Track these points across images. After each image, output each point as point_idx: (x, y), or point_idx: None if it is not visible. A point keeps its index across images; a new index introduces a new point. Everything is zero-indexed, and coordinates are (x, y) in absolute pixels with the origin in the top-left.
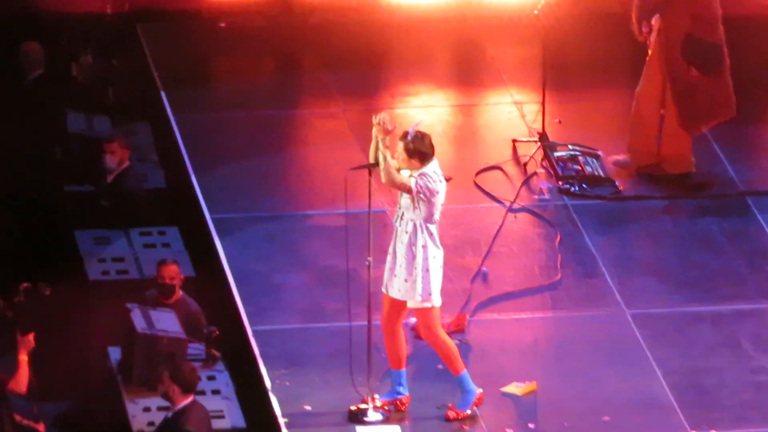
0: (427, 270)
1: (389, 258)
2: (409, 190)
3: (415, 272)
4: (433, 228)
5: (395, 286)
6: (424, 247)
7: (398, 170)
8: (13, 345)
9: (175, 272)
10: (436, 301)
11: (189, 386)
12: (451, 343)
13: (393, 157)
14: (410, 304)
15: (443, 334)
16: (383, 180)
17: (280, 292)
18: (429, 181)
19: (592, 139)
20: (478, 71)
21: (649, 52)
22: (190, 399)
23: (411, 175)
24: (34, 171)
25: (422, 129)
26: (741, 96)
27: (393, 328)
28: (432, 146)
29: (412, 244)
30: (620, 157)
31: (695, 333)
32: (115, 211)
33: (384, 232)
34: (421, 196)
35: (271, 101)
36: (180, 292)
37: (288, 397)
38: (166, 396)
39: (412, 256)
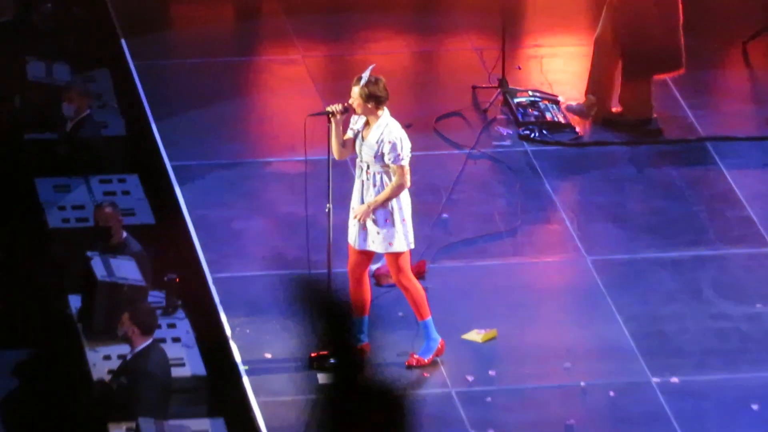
0: (404, 219)
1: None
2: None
3: (388, 223)
4: None
5: (368, 239)
6: (397, 198)
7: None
8: None
9: (107, 215)
10: (411, 244)
11: (148, 327)
12: (421, 288)
13: (347, 102)
14: (390, 250)
15: (414, 279)
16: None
17: (240, 240)
18: (405, 147)
19: (552, 85)
20: (438, 17)
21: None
22: (149, 340)
23: (391, 162)
24: None
25: (380, 74)
26: (702, 42)
27: (360, 275)
28: (387, 90)
29: None
30: (573, 103)
31: (656, 279)
32: (75, 158)
33: (343, 180)
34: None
35: (231, 47)
36: (122, 234)
37: (248, 344)
38: (125, 337)
39: (384, 208)
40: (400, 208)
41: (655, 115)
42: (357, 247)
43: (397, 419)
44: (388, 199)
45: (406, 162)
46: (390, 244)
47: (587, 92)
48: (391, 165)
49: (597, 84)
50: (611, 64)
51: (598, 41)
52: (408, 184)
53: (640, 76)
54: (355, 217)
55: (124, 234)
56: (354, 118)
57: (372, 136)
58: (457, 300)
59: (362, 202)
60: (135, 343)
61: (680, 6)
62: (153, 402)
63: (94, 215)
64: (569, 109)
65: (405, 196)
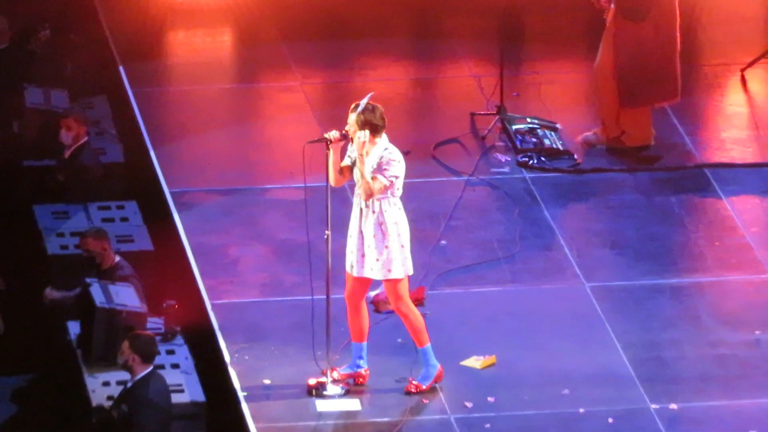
0: (402, 246)
1: (354, 239)
2: (387, 187)
3: (388, 250)
4: (398, 202)
5: (366, 266)
6: (396, 223)
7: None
8: None
9: (88, 243)
10: (410, 270)
11: (149, 355)
12: (420, 315)
13: (344, 129)
14: (389, 277)
15: (413, 305)
16: (364, 199)
17: (239, 266)
18: (392, 167)
19: (550, 112)
20: (436, 44)
21: (607, 24)
22: (149, 368)
23: (375, 177)
24: None
25: (378, 102)
26: (700, 69)
27: (357, 302)
28: (383, 118)
29: (380, 222)
30: (589, 134)
31: (654, 306)
32: (73, 185)
33: (342, 206)
34: (393, 180)
35: (229, 74)
36: (114, 258)
37: (247, 370)
38: (125, 366)
39: (382, 235)
40: (399, 235)
41: (653, 142)
42: (355, 274)
43: None
44: (361, 173)
45: (385, 179)
46: (389, 270)
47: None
48: (376, 176)
49: (601, 111)
50: (611, 93)
51: (596, 70)
52: (371, 198)
53: (636, 103)
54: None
55: (117, 258)
56: (351, 146)
57: (369, 162)
58: (456, 327)
59: (360, 229)
60: (135, 371)
61: (678, 35)
62: (154, 430)
63: (79, 245)
64: (585, 140)
65: (404, 223)
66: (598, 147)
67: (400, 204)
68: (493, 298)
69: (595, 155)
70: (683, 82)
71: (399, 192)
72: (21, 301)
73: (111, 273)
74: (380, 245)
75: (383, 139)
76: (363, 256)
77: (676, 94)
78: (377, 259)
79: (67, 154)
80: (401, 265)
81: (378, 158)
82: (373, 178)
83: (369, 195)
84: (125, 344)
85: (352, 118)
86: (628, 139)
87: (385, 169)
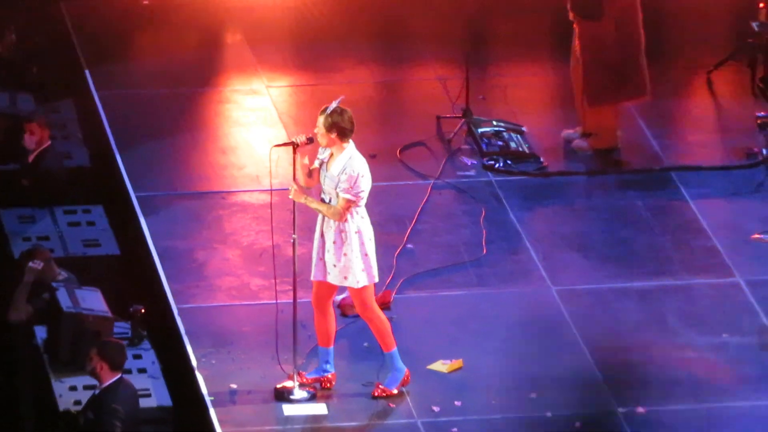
0: (366, 254)
1: (317, 243)
2: (354, 202)
3: (347, 258)
4: (362, 210)
5: (325, 270)
6: (359, 232)
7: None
8: None
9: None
10: (374, 278)
11: (117, 364)
12: (386, 320)
13: (313, 133)
14: (345, 284)
15: (378, 310)
16: (336, 220)
17: (206, 270)
18: (359, 185)
19: (516, 115)
20: (401, 47)
21: (575, 27)
22: (117, 376)
23: (342, 195)
24: None
25: (344, 105)
26: (666, 71)
27: (323, 306)
28: (352, 122)
29: (341, 230)
30: (582, 143)
31: (621, 309)
32: (39, 189)
33: (308, 210)
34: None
35: (195, 78)
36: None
37: (214, 375)
38: (93, 373)
39: (341, 242)
40: (362, 243)
41: (620, 145)
42: (313, 278)
43: None
44: (319, 210)
45: (351, 197)
46: (345, 278)
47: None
48: (339, 193)
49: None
50: (580, 93)
51: (571, 72)
52: (343, 219)
53: (603, 101)
54: (290, 196)
55: (62, 275)
56: (321, 148)
57: (334, 167)
58: (423, 330)
59: (322, 233)
60: (103, 378)
61: (641, 31)
62: None
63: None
64: (578, 147)
65: (368, 231)
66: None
67: (364, 212)
68: (460, 302)
69: (561, 158)
70: (652, 79)
71: (363, 201)
72: None
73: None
74: (338, 252)
75: (350, 145)
76: (321, 260)
77: (645, 91)
78: (334, 265)
79: (31, 158)
80: (363, 273)
81: (342, 167)
82: (338, 200)
83: (339, 217)
84: (93, 351)
85: (321, 120)
86: (594, 141)
87: (349, 186)
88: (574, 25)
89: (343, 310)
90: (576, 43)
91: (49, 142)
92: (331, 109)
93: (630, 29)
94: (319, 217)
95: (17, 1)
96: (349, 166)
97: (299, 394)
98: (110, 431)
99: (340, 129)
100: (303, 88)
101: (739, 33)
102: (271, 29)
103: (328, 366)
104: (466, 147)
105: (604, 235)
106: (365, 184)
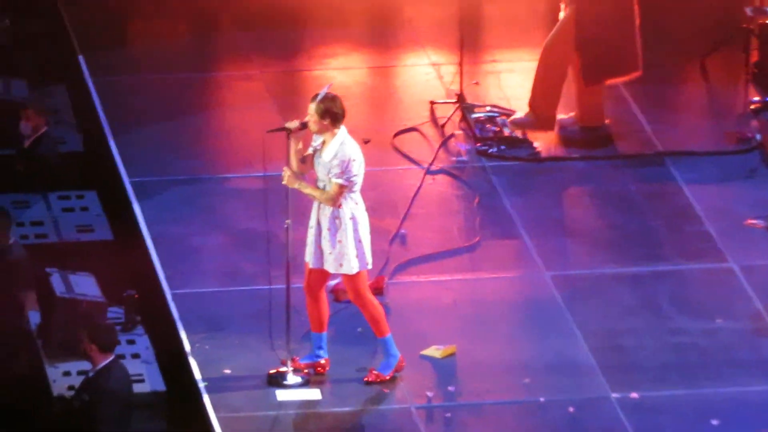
0: (359, 240)
1: (313, 230)
2: (347, 187)
3: (342, 245)
4: (356, 196)
5: (322, 258)
6: (353, 219)
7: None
8: None
9: None
10: (368, 264)
11: (108, 345)
12: (379, 306)
13: (305, 119)
14: (340, 271)
15: (371, 297)
16: (330, 206)
17: (199, 255)
18: (351, 170)
19: (509, 100)
20: (396, 32)
21: (563, 7)
22: (110, 358)
23: (334, 180)
24: None
25: (337, 91)
26: (660, 56)
27: (316, 292)
28: (343, 108)
29: (335, 217)
30: (520, 115)
31: (614, 294)
32: (33, 175)
33: (302, 195)
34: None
35: (189, 63)
36: (9, 240)
37: (207, 360)
38: (85, 355)
39: (335, 229)
40: (356, 230)
41: (607, 121)
42: (311, 265)
43: None
44: (312, 196)
45: (344, 181)
46: (340, 264)
47: (530, 103)
48: (332, 179)
49: (541, 91)
50: (558, 71)
51: (547, 48)
52: (337, 204)
53: (597, 80)
54: (283, 181)
55: (11, 239)
56: (315, 136)
57: (327, 153)
58: (416, 316)
59: (318, 220)
60: (96, 360)
61: (636, 9)
62: (114, 419)
63: None
64: (515, 122)
65: (362, 217)
66: (571, 129)
67: (358, 198)
68: (453, 287)
69: (555, 143)
70: (645, 64)
71: (357, 187)
72: None
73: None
74: (333, 239)
75: (342, 131)
76: (319, 247)
77: (638, 68)
78: (330, 252)
79: (27, 144)
80: (356, 260)
81: (334, 152)
82: (331, 186)
83: (333, 202)
84: (83, 334)
85: (312, 107)
86: (581, 119)
87: (341, 171)
88: (563, 4)
89: (335, 295)
90: (564, 22)
91: (45, 128)
92: (322, 95)
93: (625, 6)
94: (315, 204)
95: None
96: (341, 151)
97: (293, 379)
98: (106, 412)
99: (333, 114)
100: (297, 73)
101: (733, 18)
102: (266, 14)
103: (322, 351)
104: (460, 132)
105: (597, 220)
106: (357, 168)
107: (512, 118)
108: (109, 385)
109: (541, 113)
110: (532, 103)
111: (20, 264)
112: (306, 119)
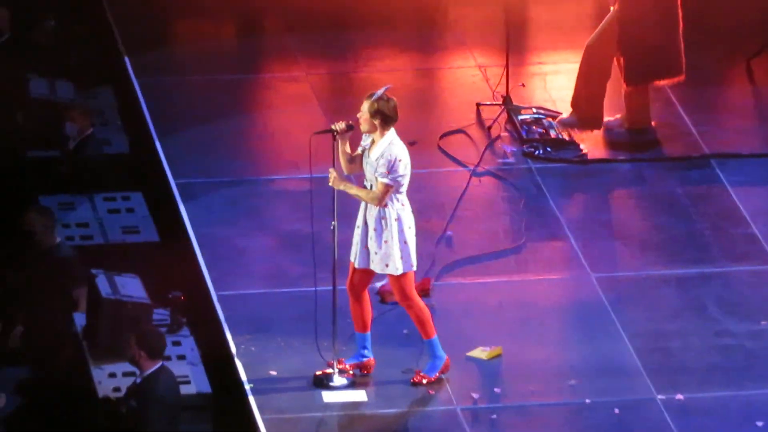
0: (405, 242)
1: (360, 230)
2: (393, 187)
3: (387, 245)
4: (402, 197)
5: (368, 258)
6: (398, 219)
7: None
8: None
9: (31, 219)
10: (413, 266)
11: (156, 351)
12: (425, 308)
13: (354, 119)
14: (386, 271)
15: (418, 298)
16: (375, 205)
17: (245, 257)
18: (397, 170)
19: (556, 102)
20: (442, 34)
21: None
22: (158, 364)
23: (380, 179)
24: None
25: (389, 94)
26: (706, 58)
27: (359, 292)
28: (396, 111)
29: (381, 217)
30: (565, 116)
31: (660, 296)
32: (79, 176)
33: (348, 196)
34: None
35: (235, 64)
36: (55, 239)
37: (253, 362)
38: (133, 361)
39: (381, 229)
40: (401, 231)
41: (653, 123)
42: (357, 265)
43: None
44: (358, 196)
45: (389, 181)
46: (386, 265)
47: (573, 102)
48: (378, 178)
49: (584, 90)
50: (601, 71)
51: (590, 47)
52: (382, 203)
53: (639, 81)
54: (329, 182)
55: (58, 239)
56: (364, 136)
57: (374, 153)
58: (462, 318)
59: (365, 220)
60: (143, 366)
61: (680, 12)
62: (163, 426)
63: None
64: (563, 123)
65: (408, 218)
66: (618, 131)
67: (404, 200)
68: (499, 289)
69: (601, 145)
70: (689, 68)
71: (404, 188)
72: (27, 291)
73: (46, 255)
74: (379, 239)
75: (391, 132)
76: (365, 247)
77: (681, 72)
78: (376, 252)
79: (72, 146)
80: (402, 261)
81: (381, 152)
82: (377, 186)
83: (378, 201)
84: (132, 340)
85: (366, 105)
86: (628, 121)
87: (386, 171)
88: (612, 6)
89: (382, 296)
90: (608, 23)
91: (91, 130)
92: (378, 95)
93: (669, 10)
94: (362, 204)
95: None
96: (388, 151)
97: (338, 380)
98: (155, 419)
99: (384, 116)
100: (343, 75)
101: None
102: (312, 16)
103: (366, 351)
104: (506, 134)
105: (643, 222)
106: (404, 169)
107: (559, 119)
108: (157, 392)
109: (582, 113)
110: (574, 103)
111: (70, 262)
112: (357, 116)
